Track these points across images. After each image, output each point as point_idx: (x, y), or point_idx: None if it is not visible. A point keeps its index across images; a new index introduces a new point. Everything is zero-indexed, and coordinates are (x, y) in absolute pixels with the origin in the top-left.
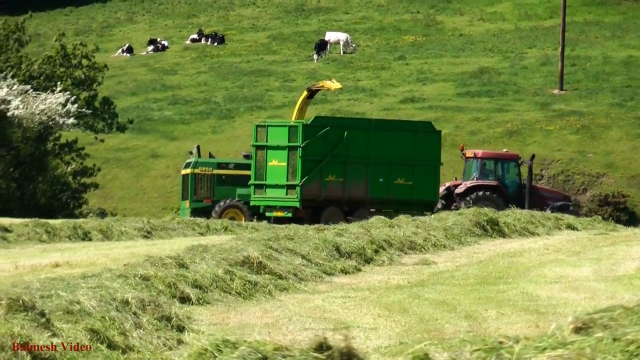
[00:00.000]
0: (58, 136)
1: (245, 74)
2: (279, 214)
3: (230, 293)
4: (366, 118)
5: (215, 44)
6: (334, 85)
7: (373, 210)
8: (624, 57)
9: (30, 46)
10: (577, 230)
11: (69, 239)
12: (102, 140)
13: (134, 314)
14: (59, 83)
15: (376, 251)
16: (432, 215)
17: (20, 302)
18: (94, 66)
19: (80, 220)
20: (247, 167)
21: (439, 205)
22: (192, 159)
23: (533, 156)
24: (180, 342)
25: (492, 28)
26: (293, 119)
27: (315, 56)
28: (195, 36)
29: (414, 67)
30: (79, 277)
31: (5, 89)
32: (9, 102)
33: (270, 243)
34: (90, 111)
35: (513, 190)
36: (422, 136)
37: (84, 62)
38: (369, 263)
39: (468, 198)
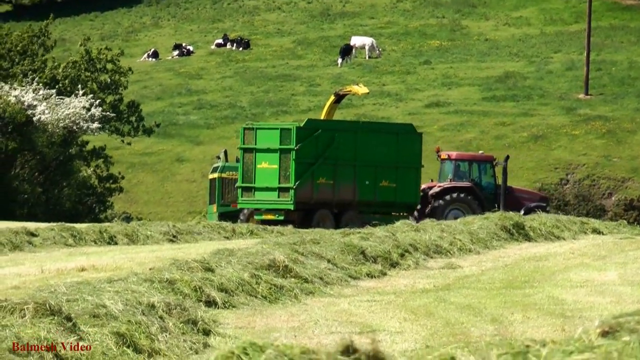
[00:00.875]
0: (85, 142)
1: (270, 79)
2: (270, 217)
3: (256, 297)
4: (354, 120)
5: (241, 48)
6: (362, 89)
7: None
8: None
9: (56, 51)
10: (603, 234)
11: (94, 243)
12: (129, 143)
13: (160, 317)
14: (79, 87)
15: (402, 255)
16: (458, 220)
17: (47, 306)
18: (118, 70)
19: (106, 224)
20: None
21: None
22: (220, 164)
23: (507, 157)
24: (206, 345)
25: (518, 33)
26: None
27: (339, 61)
28: (220, 41)
29: (440, 71)
30: (105, 281)
31: (31, 94)
32: (34, 107)
33: (296, 247)
34: (114, 115)
35: (489, 192)
36: (405, 138)
37: (109, 66)
38: (394, 267)
39: (441, 201)
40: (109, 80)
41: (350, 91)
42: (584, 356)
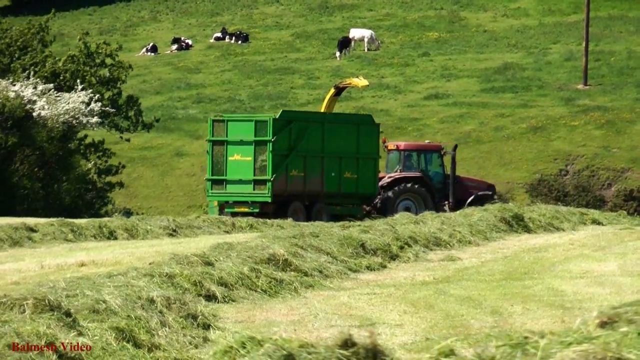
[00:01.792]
0: (84, 136)
1: (269, 72)
2: (243, 209)
3: (255, 290)
4: (320, 112)
5: (239, 42)
6: (362, 82)
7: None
8: None
9: (54, 46)
10: (603, 225)
11: (94, 238)
12: (128, 140)
13: (160, 312)
14: (78, 81)
15: (401, 248)
16: (458, 212)
17: (46, 301)
18: (118, 65)
19: (106, 219)
20: None
21: None
22: None
23: (456, 146)
24: (206, 340)
25: (516, 24)
26: None
27: (337, 53)
28: (219, 34)
29: (438, 63)
30: (105, 276)
31: (31, 89)
32: (34, 102)
33: (296, 240)
34: (114, 110)
35: (437, 181)
36: (365, 129)
37: (108, 60)
38: (394, 260)
39: (391, 192)
40: (108, 74)
41: (350, 84)
42: (582, 347)
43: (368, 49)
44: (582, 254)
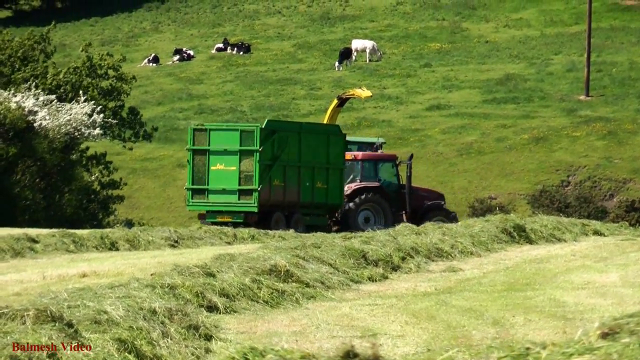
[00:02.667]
0: (86, 148)
1: (271, 83)
2: (226, 219)
3: (257, 301)
4: (298, 122)
5: (241, 53)
6: (365, 93)
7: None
8: None
9: (56, 57)
10: (604, 236)
11: (96, 249)
12: (131, 149)
13: (162, 323)
14: (81, 93)
15: (403, 258)
16: (460, 222)
17: (48, 312)
18: (121, 77)
19: (107, 230)
20: None
21: None
22: None
23: (411, 156)
24: (208, 351)
25: (518, 34)
26: None
27: (337, 64)
28: (220, 45)
29: (440, 74)
30: (107, 286)
31: (32, 100)
32: (35, 112)
33: (297, 251)
34: (115, 121)
35: (392, 191)
36: (333, 139)
37: (111, 72)
38: (396, 270)
39: (352, 204)
40: (110, 87)
41: (353, 95)
42: (584, 358)
43: (370, 60)
44: (583, 265)
